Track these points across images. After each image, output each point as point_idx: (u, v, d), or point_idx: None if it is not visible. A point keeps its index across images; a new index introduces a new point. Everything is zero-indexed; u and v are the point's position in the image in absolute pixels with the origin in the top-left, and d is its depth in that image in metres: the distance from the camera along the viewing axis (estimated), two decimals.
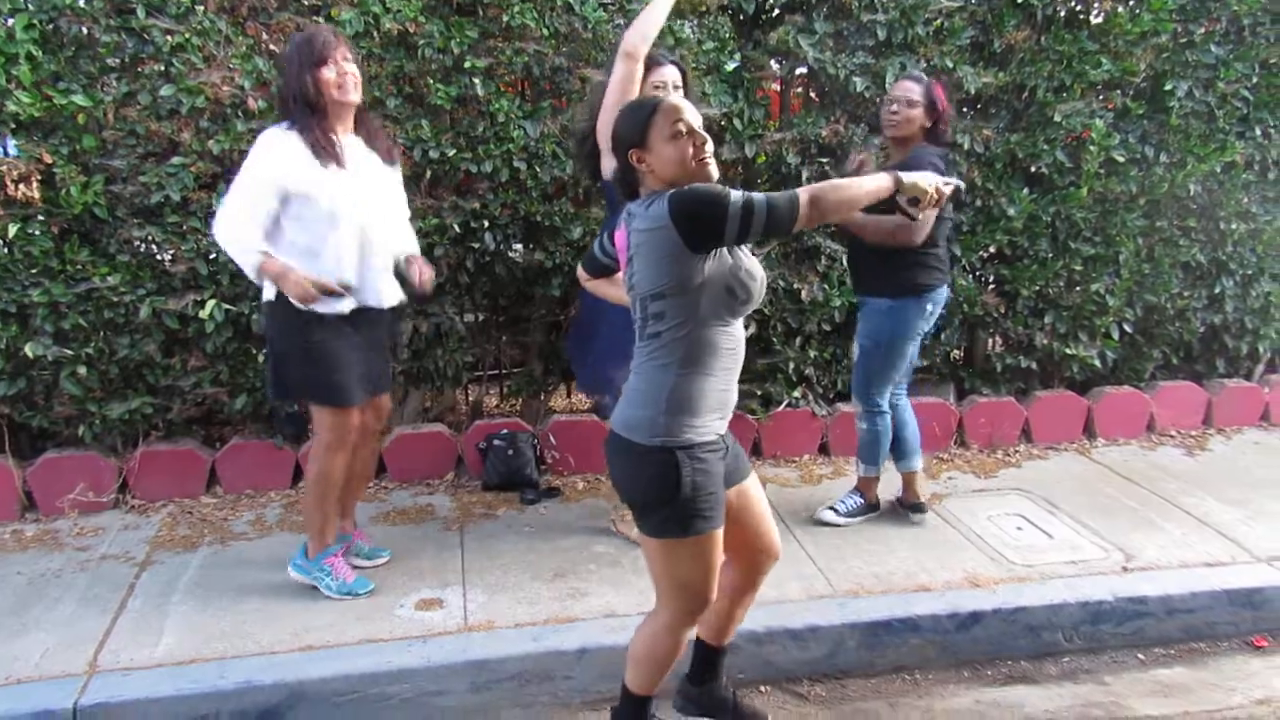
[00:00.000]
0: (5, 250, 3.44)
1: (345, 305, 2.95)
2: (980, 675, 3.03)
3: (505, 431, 4.07)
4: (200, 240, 3.57)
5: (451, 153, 3.69)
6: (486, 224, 3.81)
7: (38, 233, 3.43)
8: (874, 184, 2.18)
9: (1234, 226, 4.52)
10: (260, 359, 3.77)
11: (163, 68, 3.38)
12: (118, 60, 3.37)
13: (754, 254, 2.21)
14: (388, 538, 3.57)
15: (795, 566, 3.36)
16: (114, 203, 3.50)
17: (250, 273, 2.84)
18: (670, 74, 3.23)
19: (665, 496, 2.13)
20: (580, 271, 2.59)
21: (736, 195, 2.03)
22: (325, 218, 2.88)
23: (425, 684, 2.80)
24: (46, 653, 2.86)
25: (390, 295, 3.07)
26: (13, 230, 3.37)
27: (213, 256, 3.60)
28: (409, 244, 3.16)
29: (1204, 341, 4.85)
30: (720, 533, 2.22)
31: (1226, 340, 4.81)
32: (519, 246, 3.96)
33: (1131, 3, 4.24)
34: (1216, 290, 4.64)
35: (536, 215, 3.85)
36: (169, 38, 3.35)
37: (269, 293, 2.95)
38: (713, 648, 2.59)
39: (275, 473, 3.99)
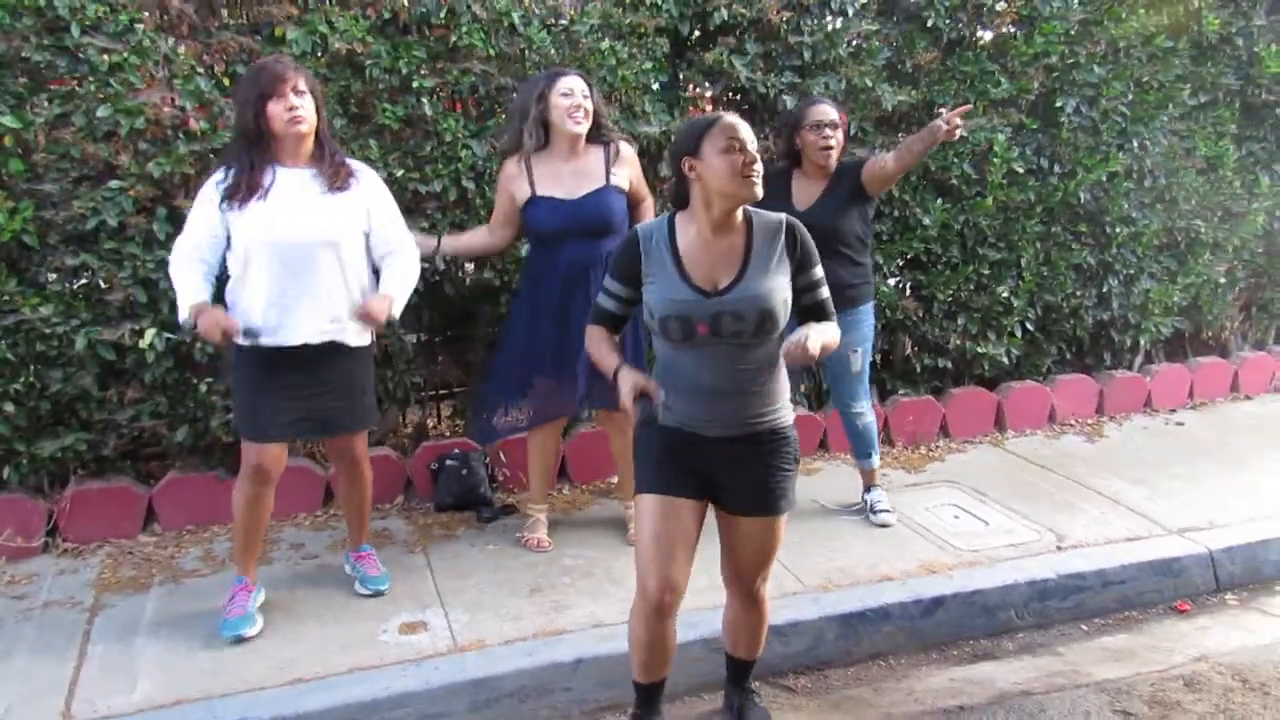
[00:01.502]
0: None
1: (263, 339, 2.92)
2: (947, 655, 3.23)
3: (457, 451, 4.05)
4: (139, 267, 3.42)
5: (399, 173, 3.67)
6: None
7: None
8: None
9: (1118, 230, 4.95)
10: (203, 389, 3.64)
11: (96, 88, 3.23)
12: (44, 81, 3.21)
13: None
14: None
15: None
16: (44, 229, 3.32)
17: (182, 314, 2.85)
18: (577, 83, 3.32)
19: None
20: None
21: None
22: (241, 257, 2.89)
23: (425, 707, 2.77)
24: (9, 710, 2.69)
25: (310, 333, 2.93)
26: None
27: (154, 280, 3.44)
28: (389, 278, 3.09)
29: (1092, 337, 5.27)
30: (655, 503, 2.39)
31: (1113, 334, 5.24)
32: (469, 265, 3.96)
33: (1025, 28, 4.59)
34: (1104, 289, 5.05)
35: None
36: (105, 57, 3.21)
37: None
38: (727, 654, 2.74)
39: (217, 506, 3.82)
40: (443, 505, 4.00)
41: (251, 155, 2.82)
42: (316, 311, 2.94)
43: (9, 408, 3.38)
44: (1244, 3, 5.03)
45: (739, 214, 2.36)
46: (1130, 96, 4.82)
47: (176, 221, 3.42)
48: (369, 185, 3.04)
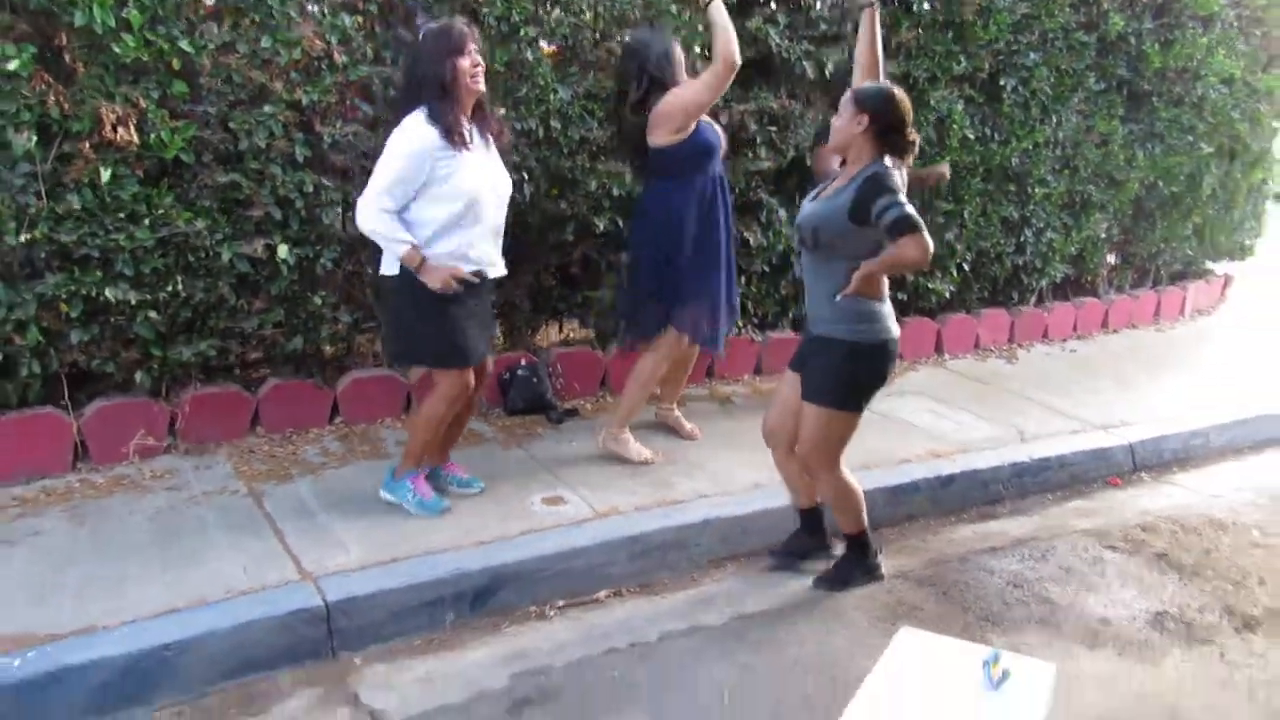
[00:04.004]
0: (93, 196, 3.41)
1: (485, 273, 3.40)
2: (961, 517, 4.11)
3: (524, 363, 4.57)
4: (277, 186, 3.73)
5: (501, 111, 4.11)
6: (526, 176, 4.27)
7: (127, 176, 3.44)
8: None
9: (1036, 190, 5.99)
10: (317, 300, 3.99)
11: (261, 19, 3.51)
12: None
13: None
14: (462, 458, 3.96)
15: None
16: (200, 148, 3.58)
17: (391, 261, 3.21)
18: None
19: None
20: None
21: None
22: (458, 198, 3.21)
23: (596, 557, 3.37)
24: (247, 569, 3.08)
25: (500, 267, 3.47)
26: (106, 175, 3.37)
27: (290, 199, 3.77)
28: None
29: (1006, 279, 6.33)
30: (786, 373, 3.34)
31: (1022, 277, 6.33)
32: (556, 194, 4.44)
33: (984, 17, 5.48)
34: (1021, 239, 6.11)
35: (564, 169, 4.37)
36: None
37: (389, 266, 3.27)
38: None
39: (314, 410, 4.20)
40: (514, 410, 4.52)
41: (445, 105, 3.15)
42: (498, 249, 3.46)
43: (154, 315, 3.64)
44: (1138, 7, 6.14)
45: (859, 160, 3.08)
46: (1053, 79, 5.84)
47: (312, 145, 3.79)
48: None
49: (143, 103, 3.40)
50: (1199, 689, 2.86)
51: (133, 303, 3.56)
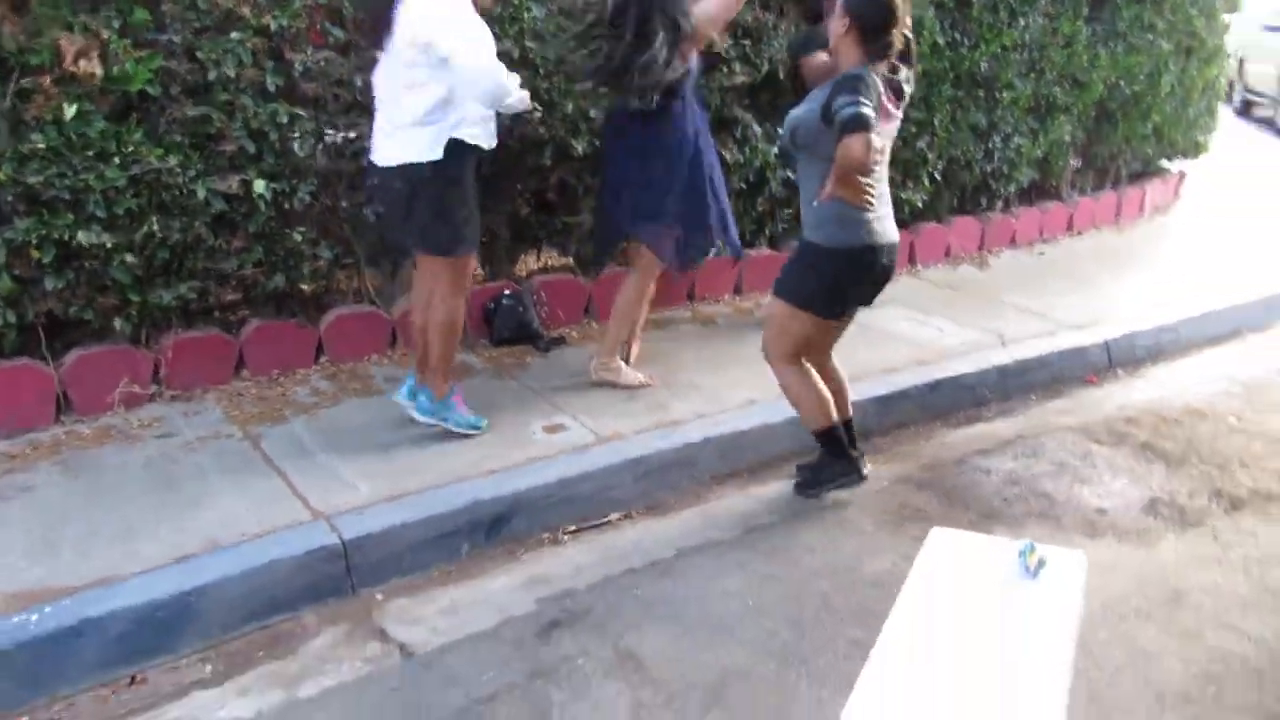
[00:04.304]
0: (58, 134, 3.25)
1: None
2: (949, 421, 4.19)
3: (508, 292, 4.51)
4: (249, 119, 3.59)
5: None
6: None
7: (93, 112, 3.28)
8: None
9: (1003, 95, 5.99)
10: (296, 237, 3.88)
11: None
12: None
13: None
14: None
15: None
16: (167, 80, 3.42)
17: (433, 145, 3.16)
18: None
19: None
20: None
21: None
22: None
23: (603, 480, 3.40)
24: (256, 511, 3.04)
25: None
26: (70, 111, 3.21)
27: (264, 132, 3.63)
28: None
29: (974, 186, 6.36)
30: None
31: (991, 183, 6.36)
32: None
33: None
34: (990, 145, 6.12)
35: (540, 90, 4.26)
36: None
37: (428, 151, 3.18)
38: None
39: (299, 351, 4.12)
40: (501, 340, 4.47)
41: None
42: None
43: (130, 258, 3.51)
44: None
45: (844, 63, 3.07)
46: None
47: (283, 74, 3.64)
48: None
49: (104, 33, 3.23)
50: (1196, 569, 2.99)
51: (107, 246, 3.43)
